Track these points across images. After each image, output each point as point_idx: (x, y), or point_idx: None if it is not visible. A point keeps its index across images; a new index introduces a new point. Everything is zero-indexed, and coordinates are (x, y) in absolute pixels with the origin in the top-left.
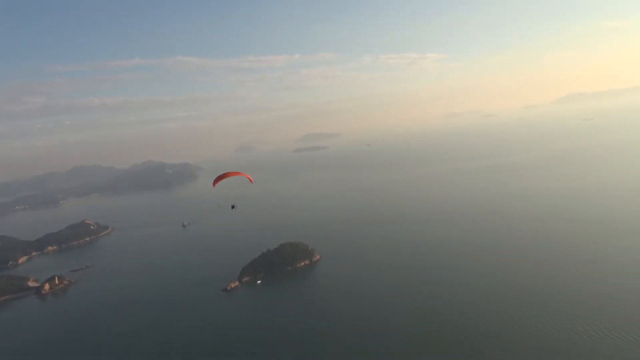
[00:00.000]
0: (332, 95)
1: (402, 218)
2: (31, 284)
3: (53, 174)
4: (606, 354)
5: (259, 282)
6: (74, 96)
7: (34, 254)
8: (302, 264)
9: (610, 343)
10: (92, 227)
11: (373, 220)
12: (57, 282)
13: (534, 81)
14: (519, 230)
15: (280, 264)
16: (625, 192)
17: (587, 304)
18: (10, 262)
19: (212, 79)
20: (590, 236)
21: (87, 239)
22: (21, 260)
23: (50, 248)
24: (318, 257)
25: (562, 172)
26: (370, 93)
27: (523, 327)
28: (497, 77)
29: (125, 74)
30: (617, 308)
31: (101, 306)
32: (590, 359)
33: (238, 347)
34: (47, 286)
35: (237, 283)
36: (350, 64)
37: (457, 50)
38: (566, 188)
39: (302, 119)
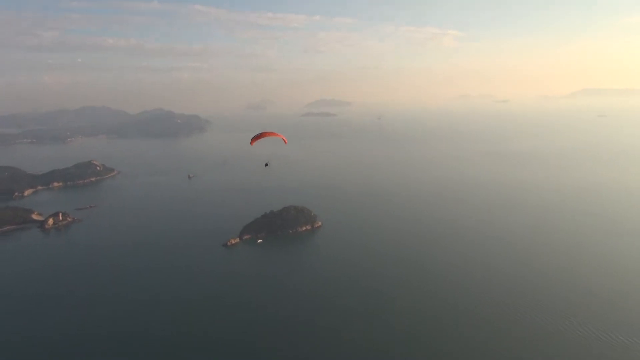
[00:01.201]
0: (346, 62)
1: (405, 196)
2: (35, 217)
3: (62, 111)
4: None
5: (259, 241)
6: (87, 34)
7: (39, 188)
8: (304, 228)
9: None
10: (98, 168)
11: (376, 194)
12: (60, 218)
13: (551, 71)
14: (520, 220)
15: (282, 226)
16: (637, 191)
17: (585, 302)
18: (16, 194)
19: (228, 32)
20: (595, 232)
21: (93, 179)
22: (26, 192)
23: (55, 184)
24: (319, 223)
25: (572, 166)
26: (385, 65)
27: (515, 311)
28: (513, 62)
29: (141, 17)
30: (620, 307)
31: (102, 246)
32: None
33: (232, 298)
34: (50, 221)
35: (237, 240)
36: (368, 32)
37: (478, 30)
38: (575, 182)
39: (314, 83)
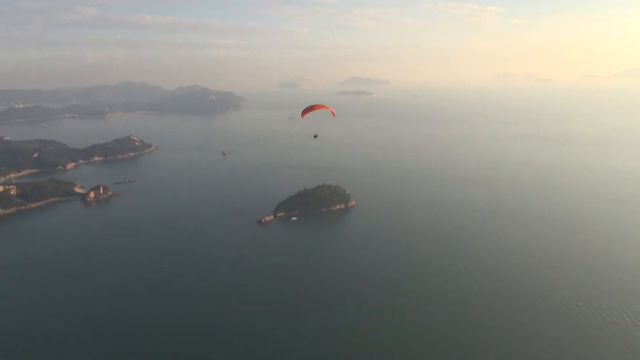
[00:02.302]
0: (383, 40)
1: (441, 176)
2: (77, 190)
3: (102, 87)
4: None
5: (294, 218)
6: (126, 11)
7: (80, 162)
8: (337, 207)
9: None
10: (136, 143)
11: (411, 175)
12: (101, 191)
13: (597, 49)
14: (563, 205)
15: (316, 205)
16: None
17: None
18: (59, 167)
19: (263, 9)
20: (631, 218)
21: (131, 154)
22: (69, 166)
23: (96, 158)
24: (354, 202)
25: (617, 150)
26: (422, 43)
27: (553, 295)
28: (556, 39)
29: None
30: None
31: (141, 220)
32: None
33: (266, 275)
34: (92, 194)
35: (271, 217)
36: (406, 9)
37: (519, 5)
38: (620, 167)
39: (349, 61)
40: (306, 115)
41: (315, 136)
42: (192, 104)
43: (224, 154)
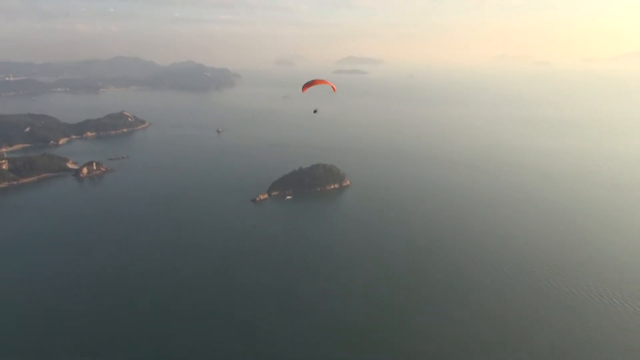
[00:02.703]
0: (380, 18)
1: (435, 158)
2: (70, 165)
3: (95, 61)
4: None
5: (288, 197)
6: None
7: (73, 137)
8: (332, 187)
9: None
10: (129, 119)
11: (406, 156)
12: (94, 167)
13: (596, 32)
14: (554, 189)
15: (311, 184)
16: None
17: (617, 274)
18: (52, 142)
19: None
20: (630, 205)
21: (124, 130)
22: (61, 141)
23: (89, 133)
24: (348, 182)
25: (612, 135)
26: (420, 22)
27: (548, 276)
28: (555, 21)
29: None
30: None
31: (134, 197)
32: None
33: (259, 252)
34: (85, 170)
35: (265, 195)
36: None
37: None
38: (613, 152)
39: (346, 39)
40: (303, 93)
41: (315, 111)
42: (186, 80)
43: (218, 131)
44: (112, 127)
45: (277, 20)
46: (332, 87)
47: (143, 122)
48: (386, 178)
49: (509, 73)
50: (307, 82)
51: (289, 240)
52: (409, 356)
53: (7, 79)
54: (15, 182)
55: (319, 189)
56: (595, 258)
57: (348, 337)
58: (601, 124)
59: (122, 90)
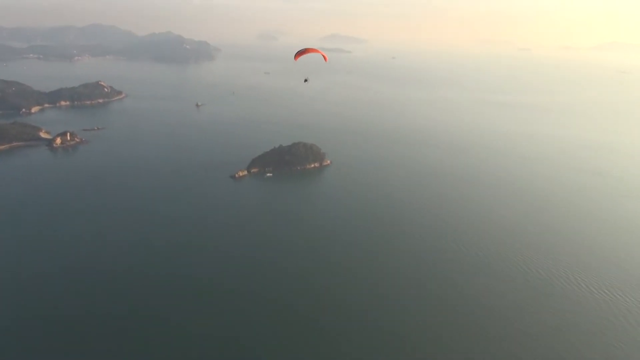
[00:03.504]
0: None
1: (415, 139)
2: (43, 135)
3: (68, 28)
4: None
5: (269, 174)
6: None
7: (46, 105)
8: (312, 165)
9: (603, 299)
10: (105, 89)
11: (387, 136)
12: (68, 138)
13: (577, 20)
14: (532, 173)
15: (291, 162)
16: None
17: (584, 257)
18: (23, 110)
19: None
20: (601, 191)
21: (100, 100)
22: (33, 110)
23: (63, 103)
24: (328, 162)
25: (587, 122)
26: (407, 2)
27: (521, 262)
28: (540, 8)
29: None
30: (617, 266)
31: (108, 169)
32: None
33: (238, 228)
34: (58, 140)
35: (245, 172)
36: None
37: None
38: (587, 138)
39: (330, 17)
40: (296, 61)
41: (305, 80)
42: (164, 51)
43: (197, 105)
44: (87, 97)
45: None
46: (324, 56)
47: (120, 92)
48: (367, 158)
49: (491, 57)
50: (300, 51)
51: (267, 217)
52: (391, 334)
53: None
54: None
55: (299, 168)
56: (573, 243)
57: (325, 315)
58: (578, 110)
59: (98, 60)
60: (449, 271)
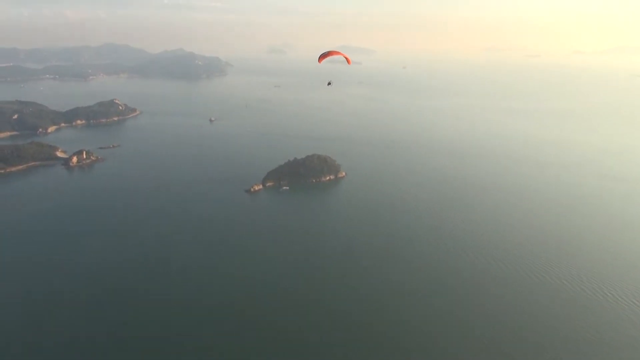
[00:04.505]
0: (372, 7)
1: (429, 147)
2: (59, 154)
3: (84, 48)
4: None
5: (285, 187)
6: None
7: (62, 125)
8: (327, 178)
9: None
10: (120, 107)
11: (401, 146)
12: (84, 156)
13: (586, 26)
14: (548, 178)
15: (305, 175)
16: None
17: (609, 265)
18: (40, 130)
19: None
20: (623, 197)
21: (115, 118)
22: (50, 129)
23: (79, 122)
24: (343, 173)
25: (604, 126)
26: (411, 12)
27: (535, 268)
28: (546, 14)
29: None
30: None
31: (125, 187)
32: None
33: (254, 243)
34: (75, 159)
35: (260, 186)
36: None
37: None
38: (605, 143)
39: (338, 29)
40: (319, 64)
41: (329, 83)
42: (177, 68)
43: (210, 120)
44: (103, 115)
45: (267, 8)
46: (347, 58)
47: (134, 110)
48: (382, 169)
49: (499, 65)
50: (323, 53)
51: (284, 231)
52: (410, 351)
53: None
54: (2, 171)
55: (314, 180)
56: (586, 248)
57: (347, 332)
58: (591, 115)
59: (112, 78)
60: (474, 281)
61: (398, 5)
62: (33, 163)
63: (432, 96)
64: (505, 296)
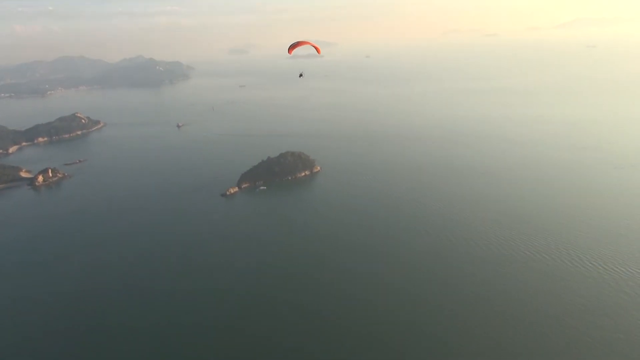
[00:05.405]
0: (327, 1)
1: (400, 135)
2: (24, 174)
3: (38, 63)
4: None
5: (263, 187)
6: None
7: (24, 144)
8: (303, 174)
9: (611, 276)
10: (82, 120)
11: (371, 136)
12: (50, 174)
13: (541, 2)
14: (519, 154)
15: (281, 173)
16: (628, 122)
17: (586, 233)
18: (0, 151)
19: None
20: (593, 165)
21: (79, 132)
22: (11, 149)
23: (40, 139)
24: (318, 168)
25: (564, 98)
26: (366, 2)
27: (511, 242)
28: None
29: None
30: (618, 240)
31: (96, 202)
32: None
33: (237, 248)
34: (40, 178)
35: (236, 189)
36: None
37: None
38: (566, 115)
39: (296, 23)
40: (290, 54)
41: (300, 75)
42: (138, 76)
43: (178, 126)
44: (65, 130)
45: (225, 8)
46: (317, 48)
47: (98, 122)
48: (355, 160)
49: (460, 47)
50: (292, 44)
51: (262, 232)
52: (395, 350)
53: None
54: None
55: (289, 178)
56: (574, 220)
57: (336, 333)
58: (553, 89)
59: (72, 91)
60: (456, 262)
61: None
62: None
63: (398, 84)
64: (488, 277)
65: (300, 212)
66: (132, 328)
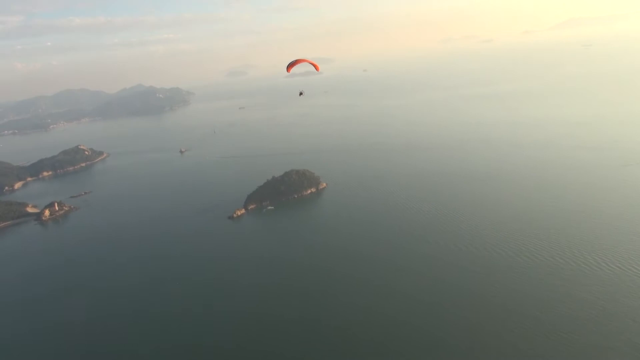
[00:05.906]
0: (321, 17)
1: (404, 145)
2: (30, 209)
3: (39, 98)
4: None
5: (270, 207)
6: (53, 16)
7: (29, 179)
8: (309, 191)
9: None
10: (86, 152)
11: (376, 147)
12: (56, 208)
13: (534, 4)
14: (525, 157)
15: (286, 192)
16: (632, 119)
17: (594, 233)
18: (6, 188)
19: None
20: (601, 164)
21: (83, 164)
22: (17, 185)
23: (45, 173)
24: (324, 184)
25: (565, 99)
26: (361, 16)
27: (522, 245)
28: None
29: None
30: (633, 239)
31: (104, 233)
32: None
33: (247, 274)
34: (47, 212)
35: (242, 211)
36: None
37: None
38: (570, 115)
39: (292, 42)
40: (288, 72)
41: (300, 93)
42: (138, 104)
43: (181, 151)
44: (69, 163)
45: (221, 32)
46: (315, 65)
47: (101, 153)
48: (360, 174)
49: (456, 55)
50: (291, 62)
51: (273, 254)
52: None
53: None
54: None
55: (296, 196)
56: (585, 219)
57: (355, 348)
58: (553, 90)
59: (74, 124)
60: (469, 269)
61: (352, 10)
62: (4, 224)
63: (397, 95)
64: (505, 282)
65: (309, 230)
66: (145, 355)
